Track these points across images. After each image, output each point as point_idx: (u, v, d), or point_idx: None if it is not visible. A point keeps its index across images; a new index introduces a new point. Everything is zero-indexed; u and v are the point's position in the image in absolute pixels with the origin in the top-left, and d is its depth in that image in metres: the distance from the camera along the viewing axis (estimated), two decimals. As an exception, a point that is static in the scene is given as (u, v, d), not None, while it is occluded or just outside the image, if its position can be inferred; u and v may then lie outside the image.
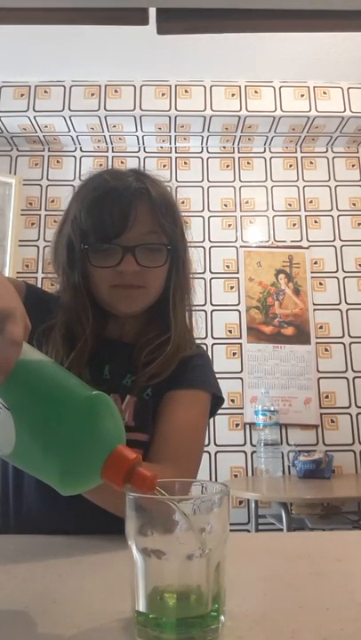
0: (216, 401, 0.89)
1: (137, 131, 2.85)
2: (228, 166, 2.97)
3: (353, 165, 2.98)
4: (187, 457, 0.80)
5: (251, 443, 2.59)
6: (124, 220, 0.78)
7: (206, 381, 0.89)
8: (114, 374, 0.85)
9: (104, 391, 0.80)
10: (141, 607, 0.40)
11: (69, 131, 2.82)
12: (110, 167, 2.94)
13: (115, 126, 2.81)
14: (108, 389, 0.82)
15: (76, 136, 2.88)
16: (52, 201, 2.86)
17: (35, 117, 2.71)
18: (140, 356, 0.84)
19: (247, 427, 2.60)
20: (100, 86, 2.73)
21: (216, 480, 2.46)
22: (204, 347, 2.73)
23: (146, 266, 0.79)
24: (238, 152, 2.99)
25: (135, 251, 0.78)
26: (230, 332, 2.73)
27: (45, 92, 2.72)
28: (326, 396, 2.66)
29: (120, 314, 0.85)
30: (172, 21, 0.63)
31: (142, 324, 0.88)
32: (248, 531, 2.43)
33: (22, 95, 2.71)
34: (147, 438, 0.82)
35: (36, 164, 2.93)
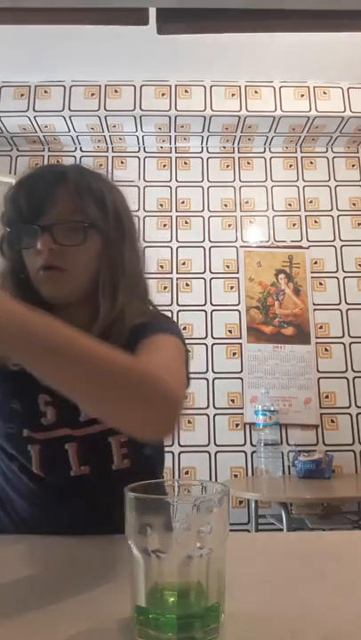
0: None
1: (137, 131, 2.85)
2: (228, 166, 2.97)
3: (353, 165, 2.98)
4: (174, 373, 0.72)
5: (251, 443, 2.59)
6: (42, 200, 0.79)
7: (171, 329, 0.84)
8: None
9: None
10: (142, 603, 0.40)
11: (69, 131, 2.82)
12: (110, 167, 2.94)
13: (115, 126, 2.81)
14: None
15: (76, 136, 2.88)
16: (52, 201, 2.86)
17: (35, 117, 2.71)
18: None
19: (247, 427, 2.60)
20: (100, 86, 2.73)
21: (216, 480, 2.46)
22: (204, 347, 2.75)
23: (63, 244, 0.78)
24: (238, 152, 2.99)
25: (53, 229, 0.78)
26: (230, 332, 2.73)
27: (45, 92, 2.72)
28: (326, 396, 2.66)
29: (47, 299, 0.81)
30: (172, 21, 0.63)
31: (89, 313, 0.83)
32: (248, 531, 2.42)
33: (22, 95, 2.71)
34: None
35: (36, 164, 2.92)
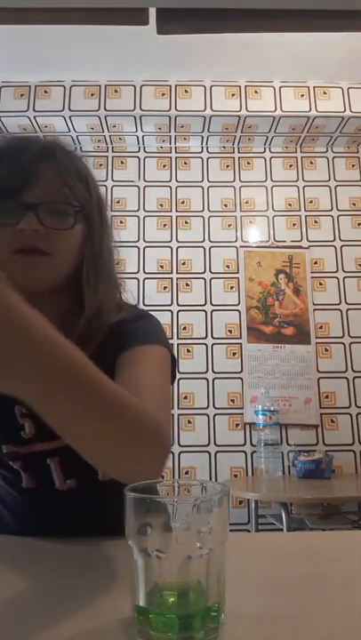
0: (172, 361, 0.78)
1: (137, 131, 2.85)
2: (228, 166, 2.97)
3: (353, 165, 2.98)
4: (164, 404, 0.68)
5: (251, 443, 2.59)
6: (25, 174, 0.70)
7: (153, 336, 0.76)
8: None
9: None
10: (142, 603, 0.40)
11: (69, 131, 2.82)
12: (110, 167, 2.94)
13: (115, 126, 2.81)
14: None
15: (76, 136, 2.88)
16: (52, 201, 2.86)
17: (35, 117, 2.71)
18: None
19: (247, 427, 2.60)
20: (100, 86, 2.73)
21: (216, 480, 2.46)
22: (204, 347, 2.75)
23: (50, 227, 0.69)
24: (238, 152, 2.99)
25: (38, 208, 0.69)
26: (230, 332, 2.73)
27: (45, 92, 2.72)
28: (326, 396, 2.66)
29: (20, 287, 0.70)
30: (172, 21, 0.63)
31: (64, 306, 0.76)
32: (248, 531, 2.42)
33: (22, 95, 2.71)
34: None
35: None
